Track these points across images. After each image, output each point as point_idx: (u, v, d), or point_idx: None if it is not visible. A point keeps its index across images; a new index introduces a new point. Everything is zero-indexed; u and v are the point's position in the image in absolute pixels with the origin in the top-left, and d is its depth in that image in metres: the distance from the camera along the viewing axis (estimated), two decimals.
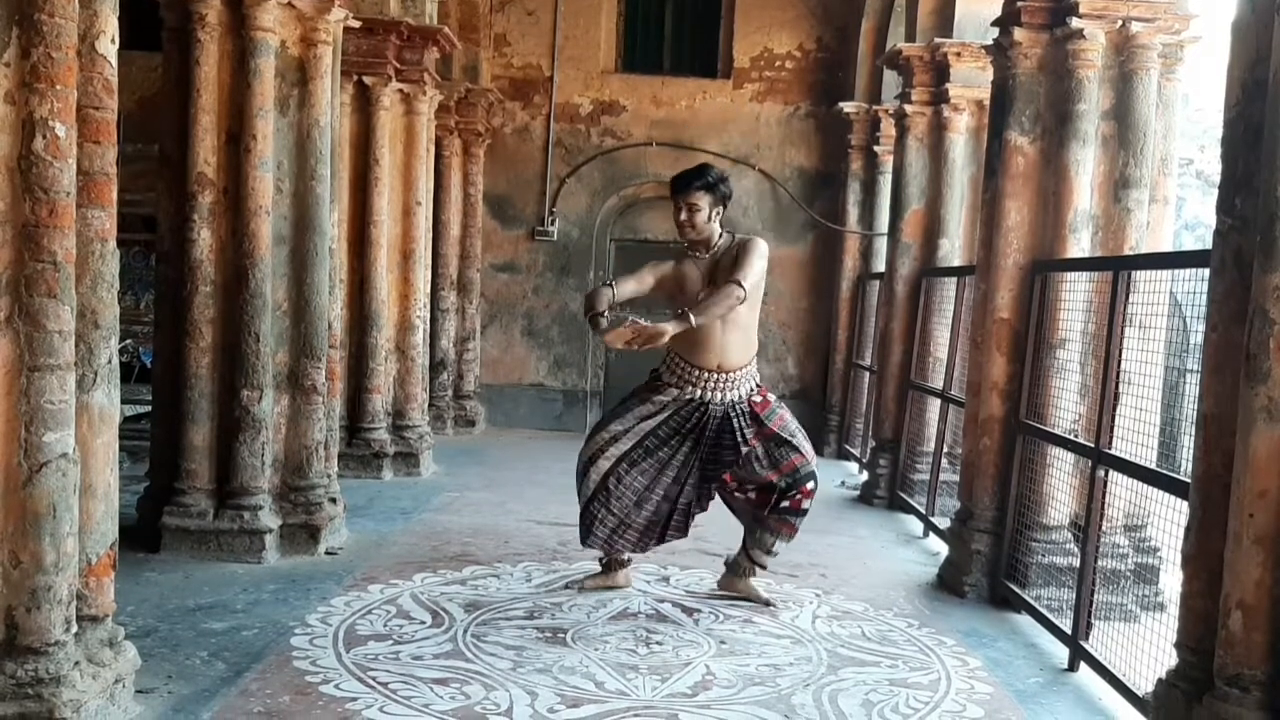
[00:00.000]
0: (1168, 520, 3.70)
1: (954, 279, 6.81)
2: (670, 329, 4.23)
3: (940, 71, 7.15)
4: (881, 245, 9.07)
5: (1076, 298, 4.91)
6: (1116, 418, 4.32)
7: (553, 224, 10.83)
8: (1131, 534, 5.07)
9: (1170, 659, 3.31)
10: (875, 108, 9.51)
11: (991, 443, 5.25)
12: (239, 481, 5.16)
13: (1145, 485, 4.06)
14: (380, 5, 7.11)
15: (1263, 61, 2.96)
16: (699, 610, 4.73)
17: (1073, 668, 4.26)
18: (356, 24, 6.17)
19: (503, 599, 4.75)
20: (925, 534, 6.64)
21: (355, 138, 7.26)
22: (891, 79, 8.41)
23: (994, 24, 5.36)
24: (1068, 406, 4.92)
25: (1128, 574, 4.88)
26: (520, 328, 11.00)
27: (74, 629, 3.06)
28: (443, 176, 9.65)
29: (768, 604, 4.81)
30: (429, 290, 8.40)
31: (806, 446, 4.70)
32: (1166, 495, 3.75)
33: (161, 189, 5.32)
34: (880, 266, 8.98)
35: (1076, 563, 4.56)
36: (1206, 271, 3.26)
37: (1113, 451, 4.29)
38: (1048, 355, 4.98)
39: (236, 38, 5.11)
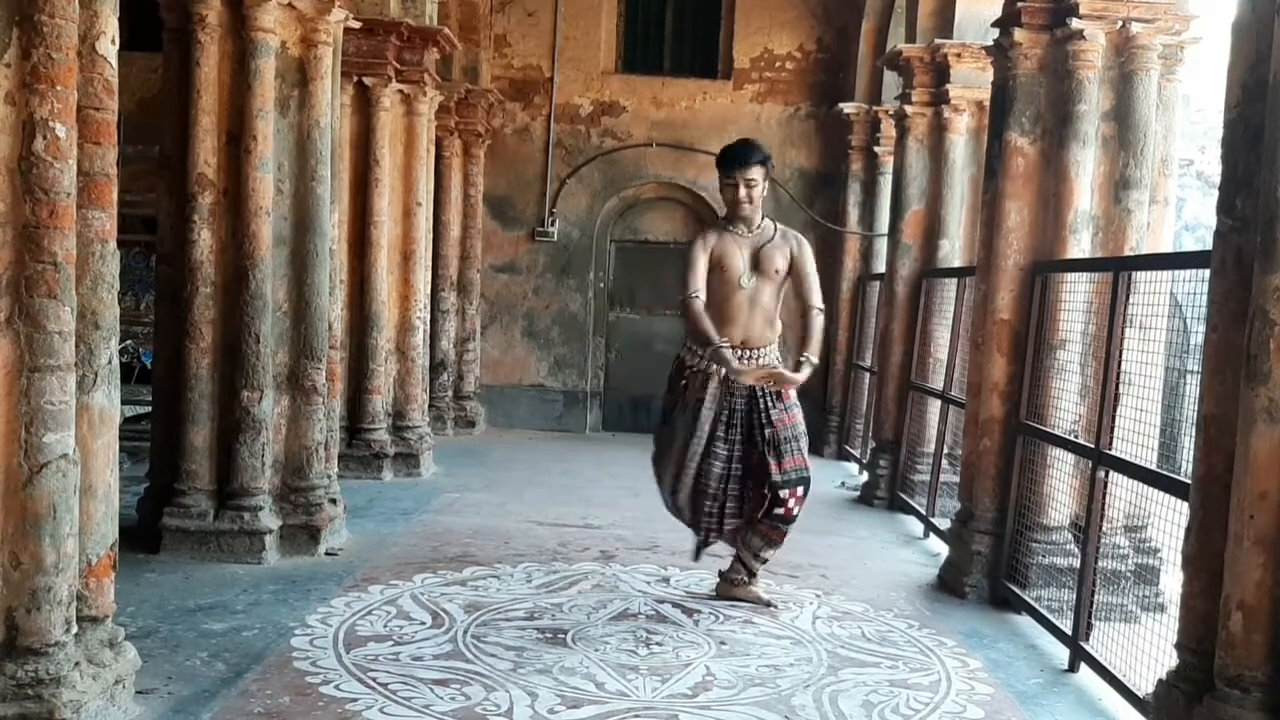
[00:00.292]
0: (1168, 521, 3.70)
1: (954, 280, 6.81)
2: (801, 379, 4.59)
3: (940, 72, 7.15)
4: (882, 246, 9.06)
5: (1077, 298, 4.91)
6: (1117, 418, 4.32)
7: (553, 225, 10.82)
8: (1132, 535, 5.06)
9: (1170, 660, 3.31)
10: (875, 108, 9.51)
11: (992, 443, 5.25)
12: (239, 482, 5.16)
13: (1145, 486, 4.06)
14: (380, 6, 7.11)
15: (1263, 62, 2.96)
16: (699, 611, 4.73)
17: (1073, 669, 4.25)
18: (357, 25, 6.18)
19: (503, 600, 4.75)
20: (925, 535, 6.64)
21: (355, 138, 7.27)
22: (892, 80, 8.41)
23: (994, 25, 5.37)
24: (1068, 407, 4.92)
25: (1128, 575, 4.87)
26: (520, 328, 11.00)
27: (74, 630, 3.06)
28: (443, 177, 9.65)
29: (768, 605, 4.81)
30: (429, 291, 8.41)
31: (806, 452, 4.77)
32: (1167, 496, 3.75)
33: (162, 190, 5.32)
34: (880, 267, 8.97)
35: (1077, 563, 4.55)
36: (1207, 272, 3.26)
37: (1113, 452, 4.29)
38: (1048, 356, 4.98)
39: (237, 38, 5.12)
